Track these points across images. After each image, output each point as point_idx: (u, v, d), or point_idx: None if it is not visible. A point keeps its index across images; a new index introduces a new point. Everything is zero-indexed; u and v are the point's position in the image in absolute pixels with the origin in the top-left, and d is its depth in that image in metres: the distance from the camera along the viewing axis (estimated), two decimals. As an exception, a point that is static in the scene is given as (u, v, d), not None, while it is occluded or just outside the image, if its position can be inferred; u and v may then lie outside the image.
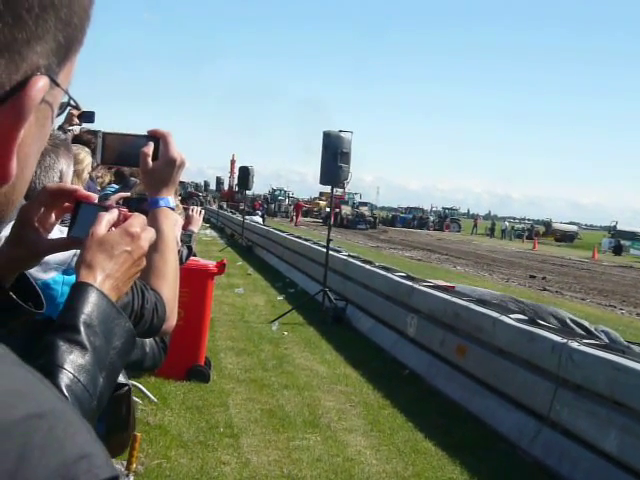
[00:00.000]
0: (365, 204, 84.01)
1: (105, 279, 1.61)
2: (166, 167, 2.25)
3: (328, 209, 68.25)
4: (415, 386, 9.62)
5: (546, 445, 6.99)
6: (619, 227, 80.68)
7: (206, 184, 77.38)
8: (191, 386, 8.77)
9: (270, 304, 16.08)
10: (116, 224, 1.71)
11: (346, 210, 74.32)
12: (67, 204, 1.74)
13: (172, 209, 2.28)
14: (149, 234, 1.74)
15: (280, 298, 16.97)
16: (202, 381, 9.00)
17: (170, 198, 2.28)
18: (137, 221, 1.72)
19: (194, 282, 8.69)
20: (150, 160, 2.23)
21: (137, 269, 1.71)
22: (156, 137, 2.25)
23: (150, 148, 2.23)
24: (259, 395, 8.78)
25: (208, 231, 39.27)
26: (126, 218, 1.73)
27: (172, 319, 2.16)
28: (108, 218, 1.69)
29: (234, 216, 45.61)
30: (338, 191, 78.48)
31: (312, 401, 8.71)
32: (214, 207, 62.57)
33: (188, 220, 6.02)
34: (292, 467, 6.52)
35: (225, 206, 66.24)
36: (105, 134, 2.27)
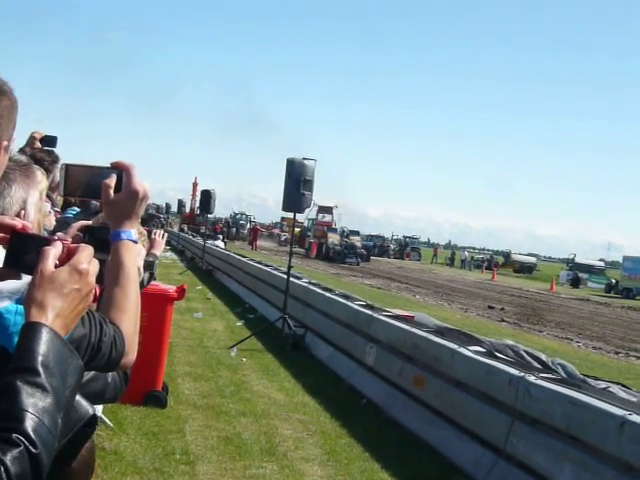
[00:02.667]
0: (357, 233, 72.64)
1: (56, 318, 1.61)
2: (128, 199, 2.24)
3: (313, 239, 68.97)
4: (372, 416, 9.63)
5: (502, 478, 7.02)
6: (577, 260, 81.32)
7: (167, 206, 76.95)
8: (148, 411, 8.72)
9: (229, 329, 16.05)
10: (60, 257, 1.71)
11: (334, 239, 64.82)
12: (1, 234, 1.75)
13: (135, 242, 2.27)
14: (96, 268, 1.74)
15: (239, 324, 16.94)
16: (159, 406, 8.95)
17: (133, 231, 2.27)
18: (84, 256, 1.72)
19: (153, 307, 8.64)
20: (112, 192, 2.22)
21: (85, 305, 1.71)
22: (119, 169, 2.25)
23: (112, 180, 2.22)
24: (216, 422, 8.74)
25: (168, 254, 39.07)
26: (69, 251, 1.73)
27: (132, 354, 2.14)
28: (54, 253, 1.69)
29: (195, 239, 45.52)
30: (326, 217, 76.62)
31: (269, 429, 8.69)
32: (175, 229, 62.36)
33: (151, 244, 6.00)
34: (248, 496, 6.50)
35: (186, 229, 66.03)
36: (68, 166, 2.26)
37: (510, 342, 11.60)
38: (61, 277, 1.65)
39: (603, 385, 10.18)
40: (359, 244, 68.18)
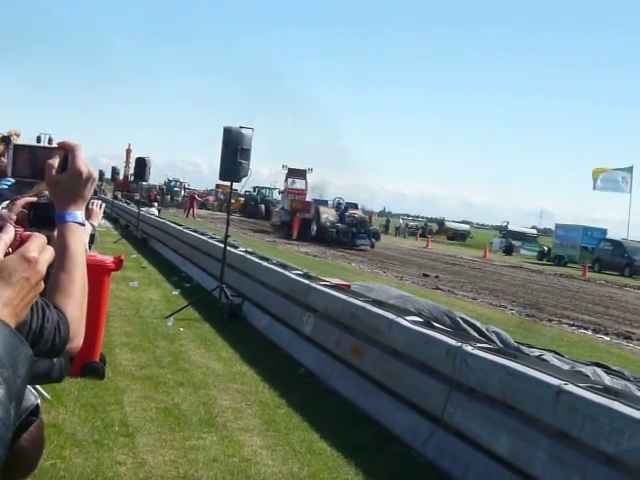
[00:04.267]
0: (355, 205, 52.22)
1: (4, 307, 1.57)
2: (72, 180, 2.19)
3: (283, 213, 53.91)
4: (311, 385, 9.67)
5: (440, 447, 7.11)
6: (510, 227, 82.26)
7: (101, 173, 75.89)
8: (85, 383, 8.65)
9: (165, 299, 15.99)
10: (13, 245, 1.67)
11: (328, 214, 48.18)
12: None
13: (81, 224, 2.23)
14: (47, 256, 1.70)
15: (175, 293, 16.88)
16: (97, 378, 8.89)
17: (79, 213, 2.22)
18: (35, 244, 1.68)
19: (90, 278, 8.47)
20: (54, 172, 2.18)
21: (34, 294, 1.68)
22: (65, 149, 2.21)
23: (56, 160, 2.18)
24: (154, 393, 8.71)
25: (102, 221, 38.63)
26: (22, 238, 1.70)
27: (78, 339, 2.10)
28: (5, 240, 1.65)
29: (129, 207, 45.15)
30: (297, 183, 62.21)
31: (208, 399, 8.69)
32: (109, 197, 61.74)
33: (88, 214, 5.93)
34: (188, 467, 6.49)
35: (120, 196, 65.37)
36: (16, 146, 2.23)
37: (445, 308, 11.72)
38: (9, 265, 1.61)
39: (537, 353, 10.35)
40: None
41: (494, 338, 10.55)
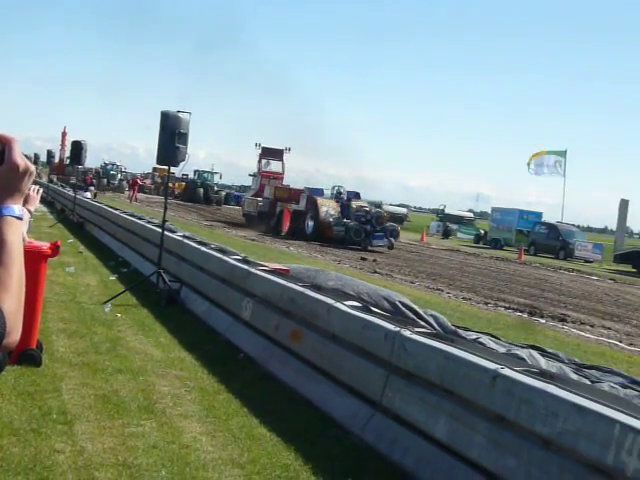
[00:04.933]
0: (357, 195, 42.97)
1: None
2: (9, 174, 2.17)
3: (261, 203, 46.39)
4: (250, 370, 9.68)
5: (378, 431, 7.18)
6: (447, 211, 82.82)
7: (36, 156, 74.91)
8: (22, 370, 8.56)
9: (102, 284, 15.89)
10: None
11: (329, 207, 40.00)
12: None
13: (19, 218, 2.21)
14: None
15: (113, 278, 16.78)
16: (34, 365, 8.80)
17: (16, 207, 2.20)
18: None
19: (26, 264, 8.42)
20: None
21: None
22: (1, 143, 2.19)
23: None
24: (93, 380, 8.65)
25: (38, 205, 38.18)
26: None
27: (15, 334, 2.07)
28: None
29: (65, 190, 44.68)
30: (272, 164, 55.17)
31: (147, 386, 8.65)
32: (44, 180, 61.00)
33: (25, 199, 5.87)
34: (128, 455, 6.47)
35: (55, 180, 64.66)
36: None
37: (384, 292, 11.77)
38: None
39: (474, 336, 10.47)
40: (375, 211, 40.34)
41: (432, 322, 10.64)
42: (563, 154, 64.47)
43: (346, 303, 8.91)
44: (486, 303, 20.41)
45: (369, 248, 37.20)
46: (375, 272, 25.69)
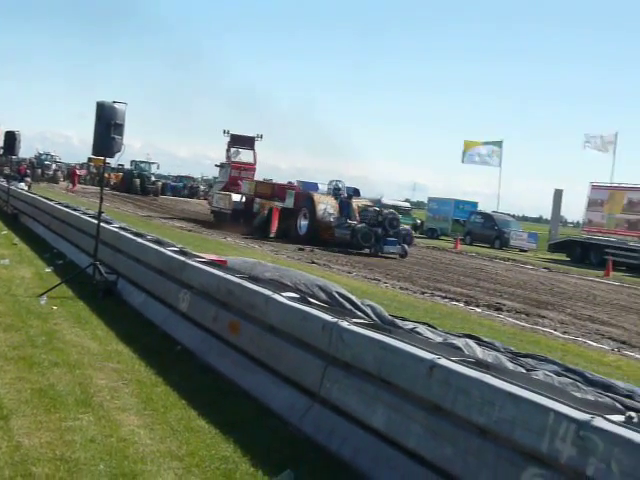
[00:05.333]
0: (357, 192, 38.25)
1: None
2: None
3: (235, 198, 41.64)
4: (188, 362, 9.65)
5: (316, 422, 7.20)
6: (384, 200, 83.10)
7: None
8: (-44, 365, 8.47)
9: (38, 276, 15.71)
10: None
11: (328, 205, 35.23)
12: None
13: None
14: None
15: (48, 270, 16.60)
16: (-32, 360, 8.69)
17: None
18: None
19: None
20: None
21: None
22: None
23: None
24: (29, 374, 8.55)
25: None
26: None
27: None
28: None
29: (-3, 182, 44.07)
30: (242, 154, 47.27)
31: (84, 379, 8.57)
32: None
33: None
34: (65, 449, 6.42)
35: (-12, 171, 63.69)
36: None
37: (321, 282, 11.80)
38: None
39: (411, 325, 10.56)
40: (386, 211, 34.42)
41: (369, 312, 10.71)
42: (499, 144, 65.07)
43: (284, 294, 8.92)
44: (423, 293, 20.55)
45: (380, 254, 32.35)
46: (313, 262, 25.74)
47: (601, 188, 49.08)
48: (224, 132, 48.32)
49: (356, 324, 7.48)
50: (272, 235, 36.23)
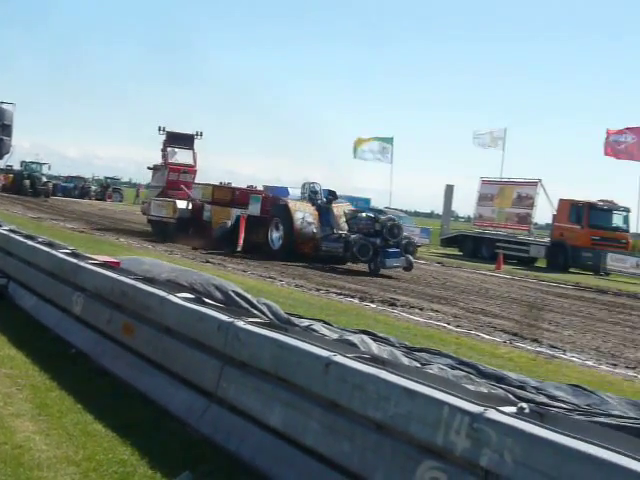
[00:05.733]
0: (333, 194, 31.48)
1: None
2: None
3: (181, 206, 35.44)
4: (83, 366, 9.54)
5: (214, 422, 7.20)
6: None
7: None
8: None
9: None
10: None
11: (305, 213, 30.05)
12: None
13: None
14: None
15: None
16: None
17: None
18: None
19: None
20: None
21: None
22: None
23: None
24: None
25: None
26: None
27: None
28: None
29: None
30: (178, 154, 40.53)
31: (-24, 387, 8.43)
32: None
33: None
34: (-43, 458, 6.31)
35: None
36: None
37: (218, 281, 11.78)
38: None
39: (306, 323, 10.66)
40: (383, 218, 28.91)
41: (265, 310, 10.75)
42: (390, 140, 65.52)
43: (179, 295, 8.88)
44: (318, 290, 20.65)
45: (381, 271, 27.03)
46: (207, 262, 25.62)
47: (491, 183, 50.08)
48: (159, 129, 41.83)
49: (252, 323, 7.50)
50: (239, 249, 30.46)
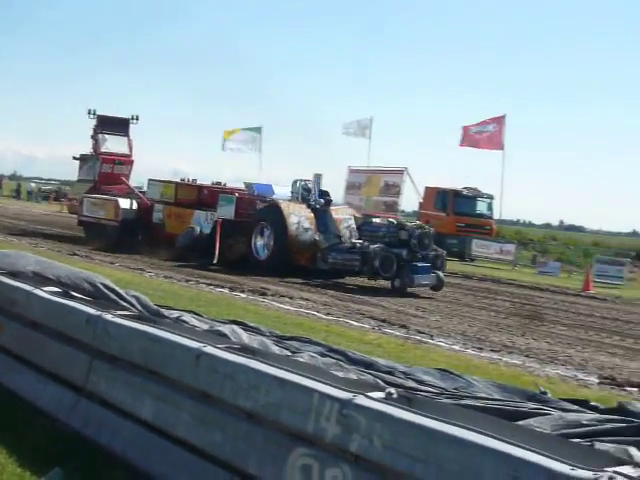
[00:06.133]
0: (327, 194, 26.50)
1: None
2: None
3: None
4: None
5: (84, 416, 7.12)
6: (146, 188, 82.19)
7: None
8: None
9: None
10: None
11: (301, 216, 24.81)
12: None
13: None
14: None
15: None
16: None
17: None
18: None
19: None
20: None
21: None
22: None
23: None
24: None
25: None
26: None
27: None
28: None
29: None
30: (110, 143, 34.41)
31: None
32: None
33: None
34: None
35: None
36: None
37: (85, 274, 11.60)
38: None
39: (176, 314, 10.58)
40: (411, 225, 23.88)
41: (134, 302, 10.64)
42: (258, 130, 65.62)
43: (45, 289, 8.74)
44: (187, 280, 20.59)
45: (409, 289, 22.25)
46: (74, 254, 25.25)
47: (359, 172, 50.72)
48: (89, 113, 35.59)
49: (121, 316, 7.46)
50: (215, 261, 25.03)
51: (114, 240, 29.16)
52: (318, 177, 26.36)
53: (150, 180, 31.67)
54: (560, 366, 12.65)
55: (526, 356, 13.30)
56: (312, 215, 24.85)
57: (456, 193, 42.59)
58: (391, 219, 25.08)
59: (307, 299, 18.42)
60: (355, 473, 4.78)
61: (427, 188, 44.71)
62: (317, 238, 24.19)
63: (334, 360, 8.80)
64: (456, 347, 13.64)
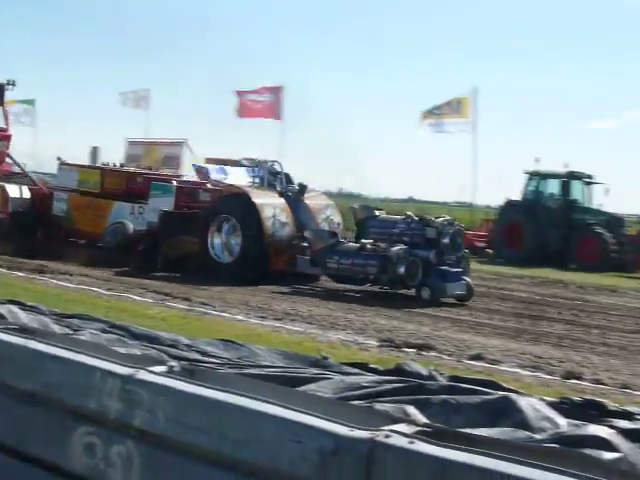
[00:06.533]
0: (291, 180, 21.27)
1: None
2: None
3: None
4: None
5: None
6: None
7: None
8: None
9: None
10: None
11: (277, 211, 19.03)
12: None
13: None
14: None
15: None
16: None
17: None
18: None
19: None
20: None
21: None
22: None
23: None
24: None
25: None
26: None
27: None
28: None
29: None
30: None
31: None
32: None
33: None
34: None
35: None
36: None
37: None
38: None
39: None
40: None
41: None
42: (32, 103, 63.73)
43: None
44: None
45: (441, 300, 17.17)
46: None
47: (137, 144, 50.01)
48: None
49: None
50: (159, 266, 19.57)
51: (3, 239, 21.61)
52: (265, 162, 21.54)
53: (62, 164, 24.62)
54: (341, 331, 13.02)
55: (308, 323, 13.61)
56: (287, 206, 19.68)
57: (234, 164, 42.66)
58: (412, 215, 18.50)
59: (88, 275, 18.09)
60: (140, 448, 4.78)
61: (207, 160, 44.69)
62: (309, 236, 19.09)
63: (117, 336, 8.72)
64: (239, 317, 13.79)
